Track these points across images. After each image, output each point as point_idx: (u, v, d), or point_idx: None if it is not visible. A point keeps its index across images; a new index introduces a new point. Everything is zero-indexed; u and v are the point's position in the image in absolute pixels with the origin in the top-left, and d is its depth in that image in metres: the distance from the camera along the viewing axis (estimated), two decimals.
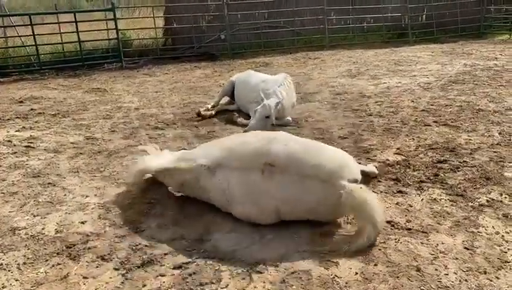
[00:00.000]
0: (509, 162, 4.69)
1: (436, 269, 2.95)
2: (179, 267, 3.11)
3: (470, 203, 3.85)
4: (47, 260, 3.27)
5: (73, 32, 13.11)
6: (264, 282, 2.89)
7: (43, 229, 3.74)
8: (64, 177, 4.89)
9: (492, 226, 3.46)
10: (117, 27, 13.33)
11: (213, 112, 7.36)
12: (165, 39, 15.45)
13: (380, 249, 3.20)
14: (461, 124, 6.12)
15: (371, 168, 4.51)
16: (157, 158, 4.42)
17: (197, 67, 12.83)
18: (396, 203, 3.91)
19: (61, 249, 3.41)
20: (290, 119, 6.71)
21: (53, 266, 3.20)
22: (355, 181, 3.49)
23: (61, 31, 13.30)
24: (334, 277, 2.90)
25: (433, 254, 3.12)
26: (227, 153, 3.76)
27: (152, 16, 14.80)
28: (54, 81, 11.45)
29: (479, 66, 10.65)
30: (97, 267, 3.17)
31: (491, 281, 2.81)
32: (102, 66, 13.44)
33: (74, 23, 12.89)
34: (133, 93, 9.46)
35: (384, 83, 9.28)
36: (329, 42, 15.63)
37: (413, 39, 16.31)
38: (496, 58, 11.78)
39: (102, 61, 13.61)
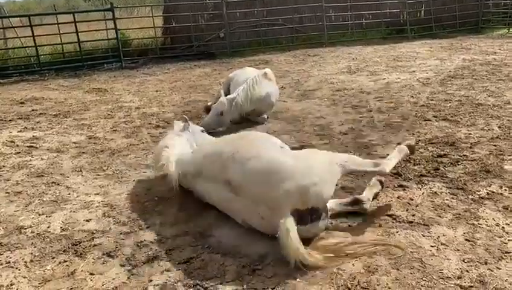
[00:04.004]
0: (509, 155, 4.73)
1: (437, 261, 2.99)
2: (185, 262, 3.15)
3: (470, 196, 3.89)
4: (53, 258, 3.32)
5: (72, 32, 13.14)
6: (269, 276, 2.93)
7: (48, 227, 3.78)
8: (68, 177, 4.93)
9: (493, 218, 3.50)
10: (116, 27, 13.37)
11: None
12: (164, 38, 15.49)
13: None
14: (461, 118, 6.16)
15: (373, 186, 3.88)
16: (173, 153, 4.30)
17: (197, 66, 12.87)
18: (398, 197, 3.95)
19: (67, 246, 3.45)
20: (265, 116, 6.74)
21: (60, 263, 3.24)
22: (316, 210, 3.18)
23: (61, 31, 13.32)
24: (338, 270, 2.94)
25: (435, 246, 3.16)
26: (205, 161, 3.84)
27: (151, 15, 14.86)
28: (54, 81, 11.49)
29: (478, 60, 10.68)
30: (103, 263, 3.21)
31: (492, 271, 2.85)
32: (102, 66, 13.50)
33: (73, 24, 12.93)
34: (133, 93, 9.50)
35: (384, 78, 9.32)
36: (328, 39, 15.65)
37: (412, 35, 16.33)
38: (495, 52, 11.81)
39: (102, 61, 13.68)
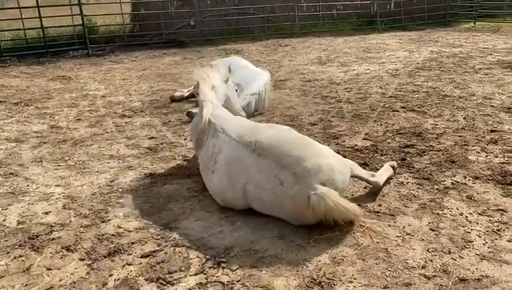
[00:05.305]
0: (473, 146, 4.81)
1: (403, 251, 2.99)
2: (147, 255, 3.05)
3: (436, 186, 3.93)
4: (8, 253, 3.15)
5: (36, 18, 12.61)
6: (234, 268, 2.87)
7: (4, 220, 3.60)
8: (27, 167, 4.72)
9: (457, 208, 3.54)
10: (82, 13, 12.90)
11: (184, 95, 7.36)
12: (133, 25, 15.08)
13: (348, 232, 3.23)
14: (428, 109, 6.23)
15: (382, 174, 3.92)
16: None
17: (166, 54, 12.61)
18: (365, 187, 3.94)
19: (23, 240, 3.29)
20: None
21: (15, 258, 3.08)
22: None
23: (23, 16, 12.75)
24: (303, 261, 2.91)
25: (400, 236, 3.17)
26: (237, 127, 3.84)
27: (119, 1, 14.41)
28: (16, 69, 11.01)
29: (445, 53, 10.87)
30: (61, 258, 3.07)
31: (455, 260, 2.88)
32: (68, 53, 13.01)
33: (37, 9, 12.40)
34: (99, 81, 9.21)
35: (354, 70, 9.36)
36: (300, 29, 15.62)
37: (382, 27, 16.49)
38: (461, 45, 12.05)
39: (67, 48, 13.17)
